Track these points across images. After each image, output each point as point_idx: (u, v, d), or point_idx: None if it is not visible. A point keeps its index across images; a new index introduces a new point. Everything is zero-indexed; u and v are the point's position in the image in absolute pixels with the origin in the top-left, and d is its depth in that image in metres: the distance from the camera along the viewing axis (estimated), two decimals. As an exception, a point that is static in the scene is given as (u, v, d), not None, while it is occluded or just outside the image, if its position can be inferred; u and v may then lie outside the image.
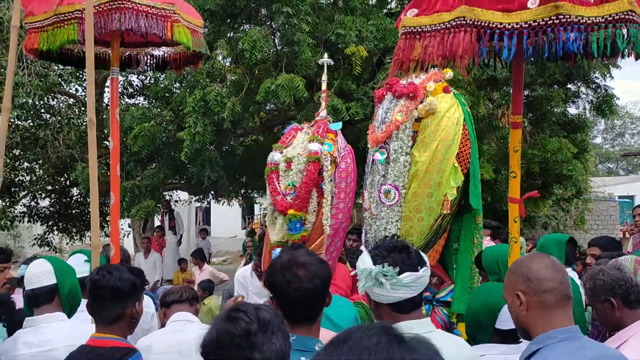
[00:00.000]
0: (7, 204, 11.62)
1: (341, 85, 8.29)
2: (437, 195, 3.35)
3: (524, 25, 2.26)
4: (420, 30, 2.55)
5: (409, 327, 1.88)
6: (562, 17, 2.21)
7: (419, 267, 2.00)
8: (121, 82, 12.78)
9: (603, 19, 2.22)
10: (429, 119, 3.37)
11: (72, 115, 10.97)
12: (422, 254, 2.13)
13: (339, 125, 4.06)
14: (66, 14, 3.21)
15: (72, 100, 11.64)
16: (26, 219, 12.96)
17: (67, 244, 14.41)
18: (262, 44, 7.26)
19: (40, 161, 11.18)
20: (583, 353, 1.71)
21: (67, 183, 12.93)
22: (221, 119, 7.82)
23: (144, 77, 12.97)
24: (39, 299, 2.54)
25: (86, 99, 12.18)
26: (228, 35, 8.88)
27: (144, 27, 3.14)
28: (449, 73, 3.51)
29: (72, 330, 2.50)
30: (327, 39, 7.91)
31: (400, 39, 2.67)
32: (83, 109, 12.39)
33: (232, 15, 8.28)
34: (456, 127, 3.39)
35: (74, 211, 13.51)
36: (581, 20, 2.21)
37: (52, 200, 13.25)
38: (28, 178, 12.29)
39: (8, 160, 11.70)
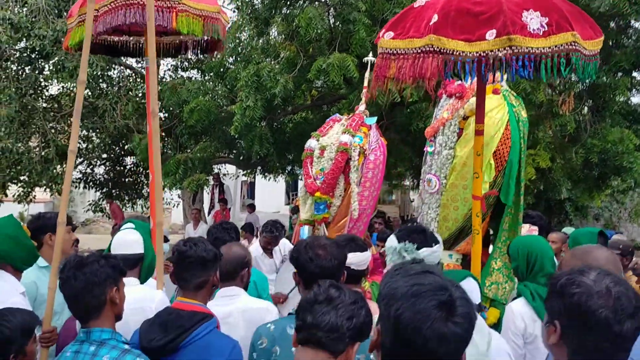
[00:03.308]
0: (64, 169, 12.09)
1: (395, 65, 8.16)
2: (471, 188, 3.55)
3: (482, 54, 2.61)
4: (395, 52, 2.88)
5: None
6: (514, 47, 2.58)
7: (433, 244, 2.45)
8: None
9: (550, 49, 2.59)
10: (472, 118, 3.60)
11: (130, 87, 11.25)
12: (437, 235, 2.59)
13: (374, 120, 4.39)
14: (86, 14, 3.46)
15: (128, 71, 11.94)
16: (82, 185, 13.48)
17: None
18: (317, 21, 7.22)
19: (98, 130, 11.55)
20: None
21: (122, 152, 13.34)
22: (273, 95, 7.86)
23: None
24: (126, 264, 2.58)
25: (142, 70, 12.38)
26: (284, 11, 8.85)
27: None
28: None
29: (145, 294, 2.70)
30: (384, 19, 7.77)
31: (378, 57, 3.02)
32: (139, 80, 12.71)
33: (289, -9, 8.25)
34: (496, 126, 3.63)
35: (127, 179, 13.95)
36: (531, 51, 2.58)
37: (107, 168, 13.70)
38: (85, 145, 12.74)
39: (66, 128, 12.15)
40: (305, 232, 4.16)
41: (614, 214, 18.21)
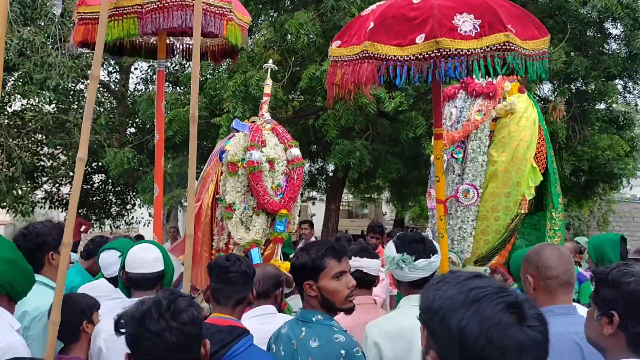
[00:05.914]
0: (29, 189, 11.37)
1: (385, 73, 7.97)
2: (514, 195, 3.50)
3: (412, 58, 2.69)
4: (340, 59, 2.99)
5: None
6: (442, 50, 2.64)
7: (431, 255, 2.47)
8: (146, 69, 12.50)
9: (482, 50, 2.64)
10: (508, 119, 3.53)
11: (102, 100, 10.69)
12: (436, 244, 2.60)
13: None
14: (126, 7, 3.28)
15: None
16: (47, 205, 12.73)
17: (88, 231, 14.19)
18: (309, 27, 6.95)
19: (65, 147, 10.91)
20: (572, 321, 2.04)
21: (89, 170, 12.68)
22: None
23: (170, 64, 12.66)
24: (146, 284, 2.61)
25: (110, 84, 11.80)
26: (265, 18, 8.55)
27: (202, 25, 3.18)
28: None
29: None
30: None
31: (329, 65, 3.13)
32: (107, 94, 12.14)
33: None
34: (533, 127, 3.56)
35: (94, 198, 13.27)
36: (460, 52, 2.63)
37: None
38: (50, 164, 12.04)
39: (30, 145, 11.45)
40: (257, 254, 3.82)
41: (583, 223, 18.55)
